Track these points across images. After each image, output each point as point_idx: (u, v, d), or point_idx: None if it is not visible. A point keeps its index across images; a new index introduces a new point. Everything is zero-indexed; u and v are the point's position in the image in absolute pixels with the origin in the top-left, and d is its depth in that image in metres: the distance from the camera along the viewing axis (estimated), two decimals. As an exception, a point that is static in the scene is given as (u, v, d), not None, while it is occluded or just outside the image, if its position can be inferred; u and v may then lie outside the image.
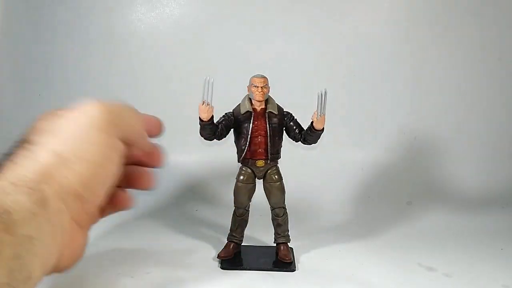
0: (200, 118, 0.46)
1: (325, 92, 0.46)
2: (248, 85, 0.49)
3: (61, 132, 0.33)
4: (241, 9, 0.86)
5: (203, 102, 0.45)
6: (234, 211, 0.51)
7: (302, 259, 0.49)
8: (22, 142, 0.35)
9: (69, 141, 0.33)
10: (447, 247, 0.58)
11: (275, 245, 0.52)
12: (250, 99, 0.49)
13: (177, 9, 0.86)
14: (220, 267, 0.48)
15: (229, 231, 0.52)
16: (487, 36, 0.87)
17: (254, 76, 0.48)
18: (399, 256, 0.54)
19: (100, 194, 0.34)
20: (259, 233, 0.56)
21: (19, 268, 0.27)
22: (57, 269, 0.33)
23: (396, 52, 0.87)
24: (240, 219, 0.51)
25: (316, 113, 0.47)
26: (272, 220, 0.52)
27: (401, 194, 0.78)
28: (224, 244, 0.52)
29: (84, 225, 0.36)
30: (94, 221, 0.38)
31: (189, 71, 0.84)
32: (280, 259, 0.50)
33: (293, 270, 0.48)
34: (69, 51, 0.86)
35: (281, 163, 0.51)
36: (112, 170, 0.34)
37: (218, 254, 0.50)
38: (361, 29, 0.87)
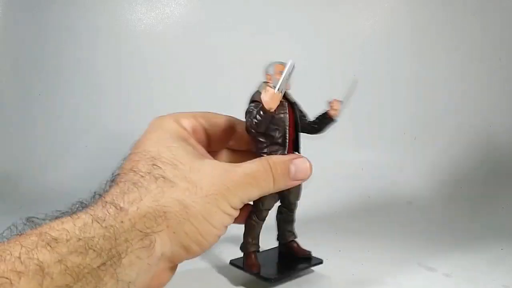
0: (263, 109, 0.39)
1: (355, 81, 0.42)
2: (269, 73, 0.45)
3: (198, 186, 0.35)
4: (241, 9, 0.86)
5: (278, 89, 0.39)
6: (256, 216, 0.44)
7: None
8: (156, 172, 0.35)
9: (201, 200, 0.34)
10: (447, 247, 0.58)
11: (271, 247, 0.49)
12: None
13: (177, 9, 0.86)
14: (265, 281, 0.43)
15: (250, 240, 0.45)
16: (488, 37, 0.87)
17: (277, 63, 0.44)
18: (399, 256, 0.54)
19: (204, 250, 0.37)
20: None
21: None
22: None
23: (396, 52, 0.87)
24: (262, 223, 0.45)
25: (336, 101, 0.44)
26: (278, 219, 0.48)
27: (401, 194, 0.78)
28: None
29: (175, 267, 0.37)
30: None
31: (189, 71, 0.84)
32: (300, 256, 0.47)
33: (322, 262, 0.47)
34: (69, 51, 0.86)
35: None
36: (222, 233, 0.37)
37: (247, 270, 0.44)
38: (361, 29, 0.87)
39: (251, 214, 0.44)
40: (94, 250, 0.28)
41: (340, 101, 0.45)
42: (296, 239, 0.49)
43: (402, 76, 0.87)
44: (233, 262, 0.46)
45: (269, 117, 0.40)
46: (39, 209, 0.34)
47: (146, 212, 0.32)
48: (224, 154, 0.46)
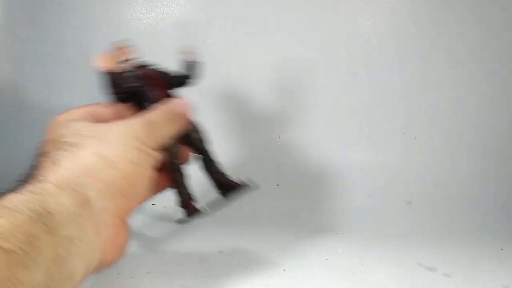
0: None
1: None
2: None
3: (104, 137, 0.36)
4: (242, 9, 0.86)
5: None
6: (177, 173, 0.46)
7: (301, 260, 0.49)
8: (61, 144, 0.37)
9: (112, 144, 0.36)
10: (447, 247, 0.58)
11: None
12: None
13: (177, 9, 0.86)
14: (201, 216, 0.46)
15: (179, 198, 0.47)
16: (488, 36, 0.87)
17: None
18: (399, 256, 0.54)
19: (141, 193, 0.38)
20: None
21: (59, 269, 0.28)
22: (101, 266, 0.34)
23: (396, 52, 0.87)
24: (179, 173, 0.47)
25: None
26: (207, 170, 0.48)
27: (401, 194, 0.78)
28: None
29: (127, 220, 0.38)
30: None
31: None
32: (229, 187, 0.47)
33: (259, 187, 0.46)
34: (69, 50, 0.86)
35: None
36: (150, 172, 0.38)
37: (182, 219, 0.47)
38: (361, 29, 0.87)
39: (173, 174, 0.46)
40: (19, 212, 0.28)
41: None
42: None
43: (402, 76, 0.87)
44: (178, 220, 0.47)
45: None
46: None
47: (65, 174, 0.33)
48: None
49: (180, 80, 0.49)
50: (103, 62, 0.44)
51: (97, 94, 0.86)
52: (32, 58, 0.87)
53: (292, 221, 0.53)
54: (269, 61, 0.82)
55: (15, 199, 0.29)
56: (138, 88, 0.47)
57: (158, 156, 0.40)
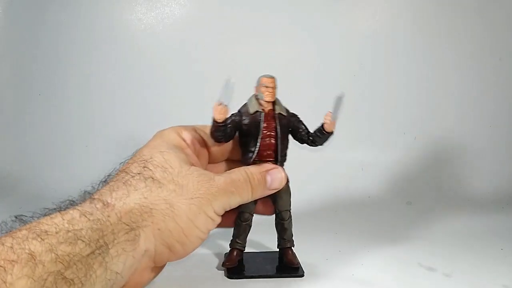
0: (213, 119, 0.43)
1: (342, 95, 0.45)
2: (256, 85, 0.47)
3: (185, 189, 0.37)
4: (242, 9, 0.86)
5: (220, 102, 0.43)
6: (239, 216, 0.48)
7: (301, 260, 0.49)
8: (145, 172, 0.37)
9: (187, 202, 0.36)
10: (447, 247, 0.58)
11: (277, 250, 0.50)
12: (257, 100, 0.47)
13: (177, 9, 0.86)
14: (227, 277, 0.47)
15: (231, 238, 0.49)
16: (488, 36, 0.87)
17: (263, 76, 0.46)
18: (399, 256, 0.53)
19: (187, 251, 0.38)
20: (259, 237, 0.55)
21: None
22: None
23: (396, 53, 0.87)
24: (245, 224, 0.48)
25: (330, 114, 0.46)
26: (276, 225, 0.50)
27: (401, 194, 0.78)
28: (226, 251, 0.50)
29: (159, 268, 0.39)
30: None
31: (189, 72, 0.84)
32: (287, 264, 0.48)
33: (302, 275, 0.47)
34: (69, 50, 0.86)
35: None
36: (205, 236, 0.39)
37: (223, 263, 0.48)
38: (362, 30, 0.87)
39: (238, 215, 0.48)
40: (82, 241, 0.29)
41: (331, 113, 0.46)
42: (292, 247, 0.50)
43: (402, 76, 0.87)
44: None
45: (217, 127, 0.44)
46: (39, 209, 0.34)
47: (132, 207, 0.34)
48: (223, 165, 0.49)
49: (308, 142, 0.49)
50: (217, 114, 0.43)
51: (97, 94, 0.86)
52: (32, 58, 0.87)
53: (292, 221, 0.53)
54: (268, 61, 0.82)
55: (78, 223, 0.30)
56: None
57: (220, 221, 0.41)
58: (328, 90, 0.46)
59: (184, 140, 0.43)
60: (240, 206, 0.47)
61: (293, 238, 0.50)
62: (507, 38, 0.87)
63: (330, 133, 0.47)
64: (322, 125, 0.47)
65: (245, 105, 0.47)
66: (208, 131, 0.45)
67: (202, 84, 0.81)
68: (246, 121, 0.46)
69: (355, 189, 0.78)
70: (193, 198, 0.37)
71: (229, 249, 0.49)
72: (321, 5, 0.86)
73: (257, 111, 0.46)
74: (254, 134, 0.46)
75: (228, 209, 0.41)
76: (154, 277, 0.40)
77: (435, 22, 0.86)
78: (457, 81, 0.87)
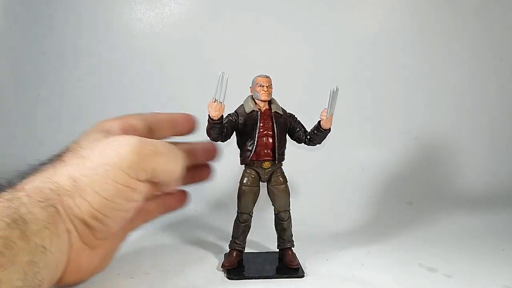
0: (209, 117, 0.43)
1: (336, 89, 0.44)
2: (251, 85, 0.47)
3: (88, 159, 0.35)
4: (242, 9, 0.85)
5: (214, 99, 0.42)
6: (237, 217, 0.48)
7: (301, 260, 0.49)
8: (60, 154, 0.37)
9: (90, 172, 0.34)
10: (447, 247, 0.58)
11: (277, 250, 0.50)
12: (253, 100, 0.47)
13: (177, 8, 0.86)
14: (227, 277, 0.46)
15: (231, 238, 0.49)
16: (489, 36, 0.87)
17: (258, 76, 0.47)
18: (400, 257, 0.53)
19: (110, 226, 0.35)
20: (258, 238, 0.55)
21: (33, 275, 0.29)
22: (60, 283, 0.34)
23: (396, 53, 0.87)
24: (244, 225, 0.48)
25: (325, 111, 0.46)
26: (275, 225, 0.50)
27: (402, 194, 0.78)
28: (226, 252, 0.50)
29: (96, 247, 0.37)
30: (115, 242, 0.39)
31: (189, 71, 0.84)
32: (287, 265, 0.48)
33: (302, 276, 0.47)
34: (68, 50, 0.86)
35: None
36: (126, 207, 0.35)
37: (222, 264, 0.48)
38: (362, 30, 0.87)
39: (237, 216, 0.48)
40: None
41: (329, 112, 0.46)
42: (291, 247, 0.50)
43: (403, 76, 0.86)
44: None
45: (212, 125, 0.43)
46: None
47: (39, 186, 0.33)
48: None
49: (305, 141, 0.49)
50: (213, 111, 0.42)
51: (97, 94, 0.86)
52: (32, 58, 0.87)
53: (292, 221, 0.53)
54: (268, 61, 0.82)
55: None
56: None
57: (145, 189, 0.36)
58: (328, 90, 0.46)
59: (112, 127, 0.40)
60: (238, 207, 0.48)
61: (293, 238, 0.50)
62: (507, 38, 0.87)
63: (327, 130, 0.47)
64: (319, 123, 0.47)
65: (241, 106, 0.47)
66: (143, 116, 0.44)
67: (201, 83, 0.81)
68: (242, 120, 0.46)
69: (355, 189, 0.78)
70: (96, 167, 0.34)
71: (229, 250, 0.49)
72: (321, 5, 0.86)
73: (253, 111, 0.46)
74: (251, 133, 0.46)
75: (154, 174, 0.36)
76: (104, 262, 0.38)
77: (435, 21, 0.86)
78: (457, 81, 0.87)
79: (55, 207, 0.33)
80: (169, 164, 0.38)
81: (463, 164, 0.84)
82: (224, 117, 0.44)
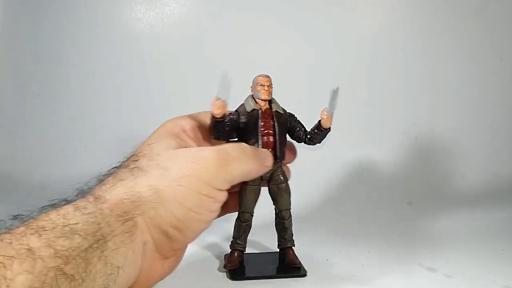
0: (212, 115, 0.43)
1: (337, 88, 0.45)
2: (251, 85, 0.47)
3: (170, 171, 0.35)
4: (242, 8, 0.86)
5: (218, 97, 0.41)
6: (238, 217, 0.48)
7: (302, 260, 0.49)
8: (129, 161, 0.36)
9: (174, 183, 0.34)
10: (447, 247, 0.58)
11: (277, 250, 0.50)
12: (253, 99, 0.47)
13: (177, 8, 0.86)
14: (230, 278, 0.46)
15: (232, 239, 0.49)
16: (489, 36, 0.87)
17: (258, 76, 0.47)
18: (400, 257, 0.53)
19: (190, 236, 0.36)
20: (259, 238, 0.55)
21: None
22: None
23: (397, 53, 0.87)
24: (245, 225, 0.48)
25: (325, 110, 0.46)
26: (276, 224, 0.50)
27: (402, 194, 0.78)
28: (226, 252, 0.50)
29: (170, 257, 0.37)
30: (184, 251, 0.40)
31: (189, 71, 0.84)
32: (289, 264, 0.48)
33: (305, 275, 0.47)
34: (68, 50, 0.86)
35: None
36: (207, 218, 0.37)
37: (224, 265, 0.48)
38: (362, 30, 0.87)
39: (238, 216, 0.48)
40: (80, 235, 0.28)
41: (329, 111, 0.46)
42: (292, 247, 0.49)
43: (403, 76, 0.86)
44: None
45: (215, 123, 0.43)
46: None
47: (121, 198, 0.33)
48: None
49: (306, 140, 0.48)
50: (215, 109, 0.42)
51: (97, 94, 0.86)
52: (32, 58, 0.87)
53: (292, 221, 0.53)
54: (268, 61, 0.82)
55: (73, 218, 0.30)
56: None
57: (225, 197, 0.38)
58: (328, 90, 0.46)
59: (181, 127, 0.41)
60: (240, 206, 0.47)
61: (293, 238, 0.50)
62: (507, 38, 0.87)
63: (327, 129, 0.47)
64: (319, 122, 0.47)
65: (241, 105, 0.47)
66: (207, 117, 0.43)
67: (201, 83, 0.81)
68: (243, 119, 0.46)
69: (355, 189, 0.78)
70: (179, 178, 0.34)
71: (230, 250, 0.49)
72: (321, 5, 0.86)
73: (254, 109, 0.46)
74: (252, 132, 0.46)
75: (230, 180, 0.38)
76: (172, 269, 0.39)
77: (435, 21, 0.86)
78: (457, 81, 0.87)
79: (133, 220, 0.32)
80: (244, 166, 0.39)
81: (463, 164, 0.84)
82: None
